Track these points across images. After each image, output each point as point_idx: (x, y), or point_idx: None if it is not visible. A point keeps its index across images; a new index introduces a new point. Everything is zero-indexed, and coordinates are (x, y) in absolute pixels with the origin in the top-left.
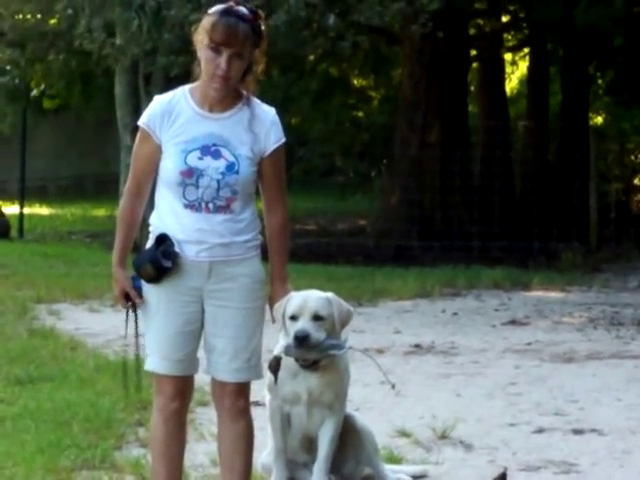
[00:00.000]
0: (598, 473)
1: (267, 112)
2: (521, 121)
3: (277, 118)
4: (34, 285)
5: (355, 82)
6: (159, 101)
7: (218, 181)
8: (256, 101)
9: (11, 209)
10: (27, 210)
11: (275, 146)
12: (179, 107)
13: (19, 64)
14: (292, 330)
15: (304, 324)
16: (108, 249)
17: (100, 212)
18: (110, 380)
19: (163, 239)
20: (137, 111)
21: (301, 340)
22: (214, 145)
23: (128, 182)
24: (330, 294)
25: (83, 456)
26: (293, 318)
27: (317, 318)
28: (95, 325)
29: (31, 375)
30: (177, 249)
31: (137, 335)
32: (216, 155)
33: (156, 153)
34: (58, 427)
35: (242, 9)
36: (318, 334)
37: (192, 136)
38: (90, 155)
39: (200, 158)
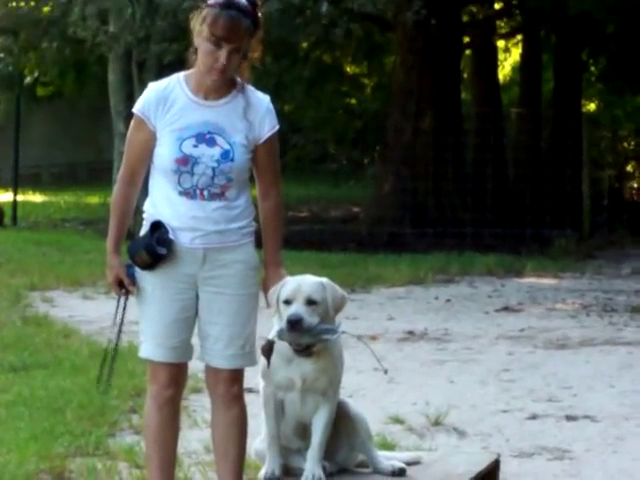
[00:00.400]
0: (591, 459)
1: (262, 99)
2: (514, 108)
3: (271, 105)
4: (28, 272)
5: (348, 69)
6: (154, 88)
7: (213, 169)
8: (250, 88)
9: (4, 197)
10: (20, 198)
11: (269, 134)
12: (174, 94)
13: (12, 52)
14: (285, 314)
15: (297, 308)
16: (101, 236)
17: (93, 199)
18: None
19: (157, 226)
20: (130, 98)
21: (294, 324)
22: (209, 133)
23: (122, 169)
24: (324, 279)
25: (77, 443)
26: (287, 302)
27: (311, 302)
28: (89, 312)
29: (25, 362)
30: (171, 236)
31: (121, 325)
32: (211, 143)
33: (151, 140)
34: (52, 414)
35: (243, 1)
36: (311, 318)
37: (187, 123)
38: (83, 142)
39: (195, 146)
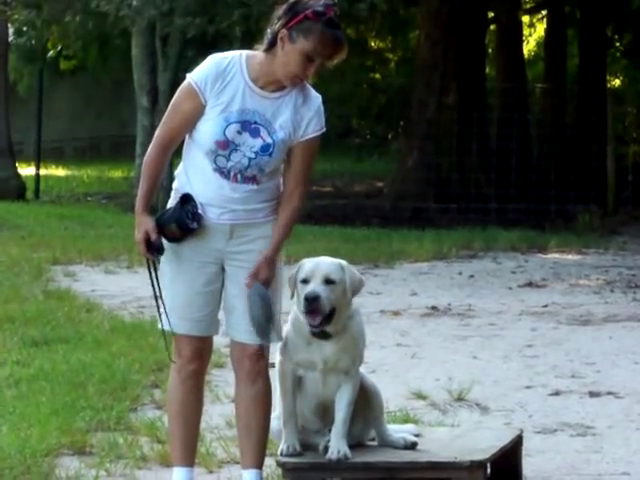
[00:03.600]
0: (614, 436)
1: (315, 98)
2: (538, 84)
3: (322, 107)
4: (50, 247)
5: (372, 44)
6: (215, 62)
7: (250, 159)
8: (307, 85)
9: (27, 170)
10: (43, 171)
11: (313, 135)
12: (232, 74)
13: (36, 25)
14: (303, 293)
15: (315, 286)
16: (124, 211)
17: (116, 174)
18: (125, 342)
19: (187, 199)
20: (154, 72)
21: (311, 301)
22: (255, 123)
23: (160, 132)
24: (343, 261)
25: (98, 417)
26: (305, 282)
27: (328, 282)
28: (111, 287)
29: (46, 337)
30: (200, 211)
31: (160, 294)
32: (255, 133)
33: (198, 113)
34: (73, 389)
35: (335, 13)
36: (329, 297)
37: (237, 108)
38: (106, 116)
39: (239, 132)
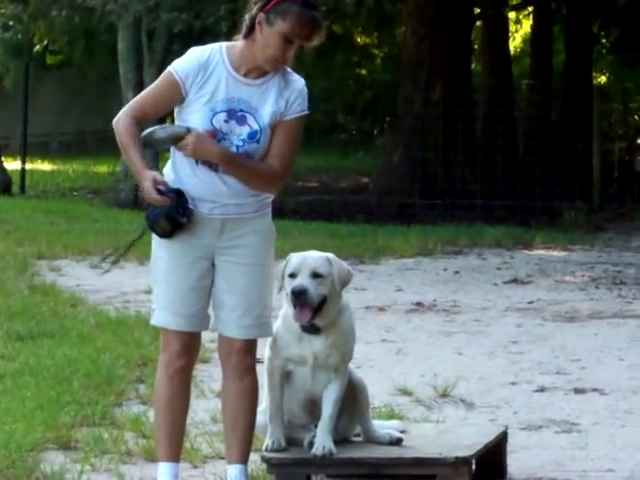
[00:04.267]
0: (599, 432)
1: (298, 81)
2: (524, 80)
3: (306, 89)
4: (35, 241)
5: (358, 40)
6: (197, 55)
7: (238, 147)
8: (287, 70)
9: (13, 165)
10: (29, 166)
11: (296, 115)
12: (214, 65)
13: (22, 19)
14: (290, 287)
15: (303, 280)
16: (109, 205)
17: (102, 168)
18: (111, 336)
19: (178, 194)
20: (140, 67)
21: (298, 295)
22: (241, 111)
23: (133, 103)
24: (330, 254)
25: (83, 412)
26: (292, 276)
27: (316, 275)
28: (96, 282)
29: (32, 331)
30: (191, 205)
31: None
32: (241, 121)
33: (176, 103)
34: (58, 383)
35: None
36: (317, 291)
37: (222, 97)
38: (92, 111)
39: (226, 121)
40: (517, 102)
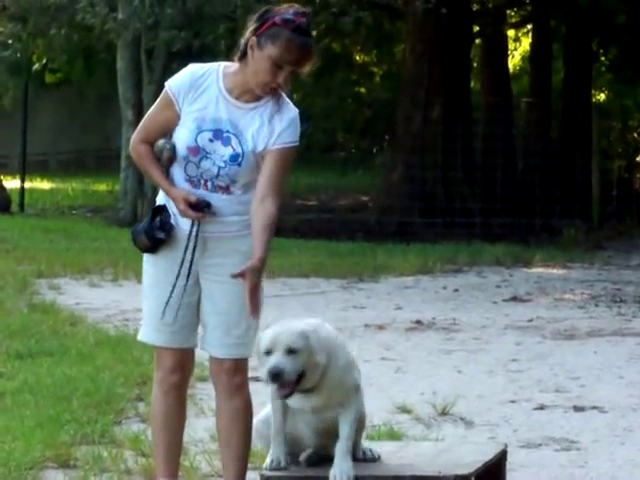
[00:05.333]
0: (599, 450)
1: (290, 110)
2: (524, 98)
3: (298, 121)
4: (35, 260)
5: (357, 58)
6: (191, 72)
7: (219, 168)
8: (283, 97)
9: (12, 183)
10: (28, 184)
11: (283, 146)
12: (208, 83)
13: (21, 38)
14: (266, 367)
15: (277, 359)
16: (109, 224)
17: (101, 187)
18: (110, 355)
19: (160, 210)
20: (139, 86)
21: (274, 377)
22: (227, 132)
23: (139, 130)
24: (307, 325)
25: (82, 431)
26: (267, 353)
27: (291, 351)
28: (96, 300)
29: (31, 350)
30: (172, 221)
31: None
32: (226, 142)
33: (173, 121)
34: (58, 402)
35: (305, 22)
36: (293, 367)
37: (211, 117)
38: (91, 130)
39: (211, 140)
40: (516, 120)
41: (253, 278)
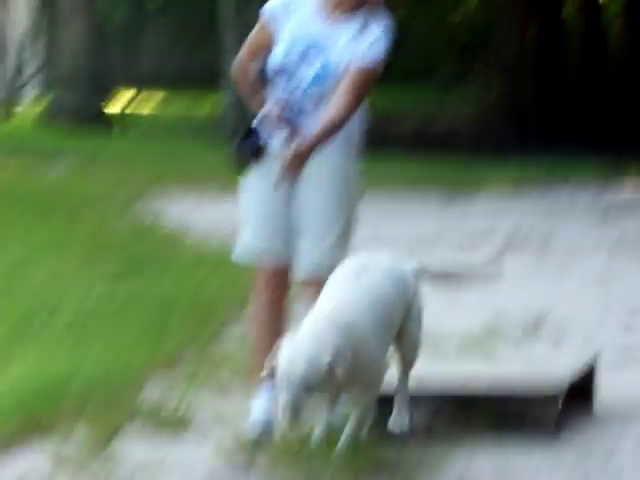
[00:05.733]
0: None
1: (380, 25)
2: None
3: (384, 35)
4: (137, 180)
5: None
6: None
7: (307, 85)
8: (378, 11)
9: (118, 105)
10: (132, 108)
11: (365, 63)
12: (300, 1)
13: None
14: (280, 399)
15: (293, 399)
16: (211, 144)
17: (205, 109)
18: (210, 272)
19: (251, 131)
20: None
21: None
22: (313, 49)
23: (242, 51)
24: (323, 350)
25: (181, 349)
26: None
27: (308, 389)
28: (197, 219)
29: (132, 268)
30: (265, 141)
31: None
32: (312, 61)
33: (269, 41)
34: (157, 320)
35: None
36: (308, 403)
37: (300, 35)
38: (200, 47)
39: (297, 60)
40: (609, 38)
41: (293, 152)
